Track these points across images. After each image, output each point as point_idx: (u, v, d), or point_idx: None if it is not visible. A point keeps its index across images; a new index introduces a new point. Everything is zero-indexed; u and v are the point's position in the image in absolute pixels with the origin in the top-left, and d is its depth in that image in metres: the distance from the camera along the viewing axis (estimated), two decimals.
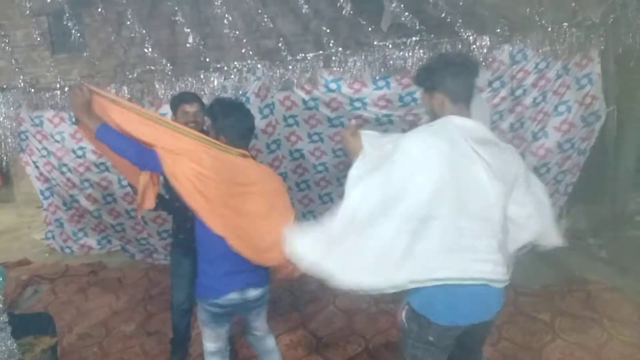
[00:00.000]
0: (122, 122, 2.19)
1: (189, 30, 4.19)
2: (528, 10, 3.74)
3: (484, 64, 3.69)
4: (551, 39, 3.61)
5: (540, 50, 3.64)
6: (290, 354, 3.09)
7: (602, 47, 3.61)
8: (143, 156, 2.13)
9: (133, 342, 3.36)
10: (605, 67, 3.68)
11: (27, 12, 4.61)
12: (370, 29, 4.02)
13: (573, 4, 3.67)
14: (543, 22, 3.64)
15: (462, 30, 3.69)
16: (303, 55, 4.02)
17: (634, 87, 3.92)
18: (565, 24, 3.59)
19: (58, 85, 4.35)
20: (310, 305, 3.66)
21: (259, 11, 4.22)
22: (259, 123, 4.14)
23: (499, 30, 3.69)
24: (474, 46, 3.67)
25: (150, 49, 4.21)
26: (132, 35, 4.63)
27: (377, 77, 3.83)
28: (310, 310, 3.59)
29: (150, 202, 2.35)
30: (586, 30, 3.57)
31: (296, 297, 3.79)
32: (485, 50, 3.67)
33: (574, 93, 3.66)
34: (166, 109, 4.11)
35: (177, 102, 2.76)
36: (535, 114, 3.74)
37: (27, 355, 2.26)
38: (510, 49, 3.65)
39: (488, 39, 3.66)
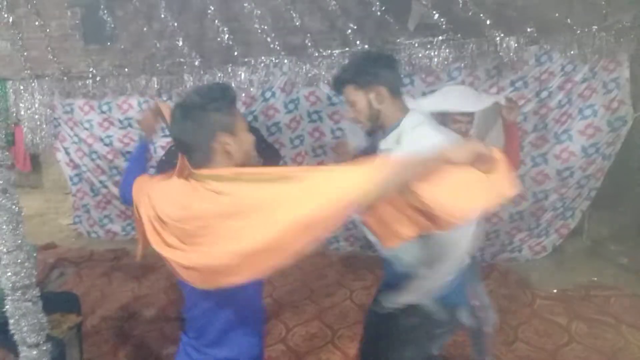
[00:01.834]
0: None
1: (218, 24, 4.28)
2: (557, 12, 3.72)
3: (510, 65, 3.69)
4: (580, 42, 3.59)
5: (568, 53, 3.62)
6: (305, 345, 3.14)
7: (632, 52, 3.57)
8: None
9: (153, 327, 3.45)
10: (635, 71, 3.64)
11: (65, 4, 4.74)
12: (397, 28, 4.05)
13: (604, 7, 3.63)
14: (572, 25, 3.62)
15: (489, 30, 3.69)
16: (329, 51, 4.07)
17: None
18: (595, 27, 3.57)
19: (90, 75, 4.48)
20: (327, 300, 3.70)
21: (288, 8, 4.28)
22: (284, 118, 4.21)
23: (526, 31, 3.68)
24: (500, 47, 3.67)
25: (180, 42, 4.31)
26: (163, 28, 4.75)
27: (402, 75, 3.86)
28: (327, 304, 3.64)
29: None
30: (616, 33, 3.53)
31: (312, 291, 3.84)
32: (511, 51, 3.67)
33: (600, 97, 3.63)
34: None
35: None
36: (559, 116, 3.72)
37: (55, 331, 2.36)
38: (536, 50, 3.64)
39: (515, 40, 3.65)
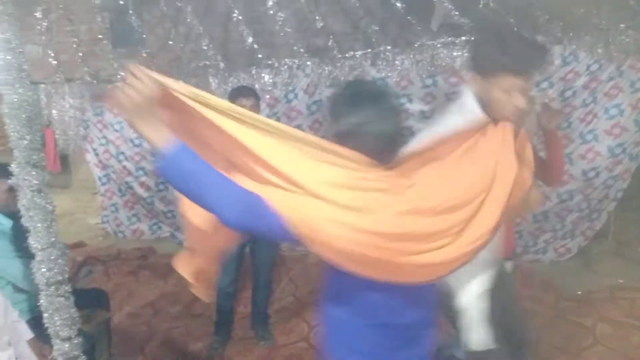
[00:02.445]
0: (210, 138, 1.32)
1: (242, 27, 4.34)
2: (583, 11, 3.67)
3: None
4: (606, 41, 3.54)
5: (594, 53, 3.57)
6: None
7: None
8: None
9: (179, 323, 3.53)
10: None
11: (95, 9, 4.88)
12: (419, 29, 4.05)
13: (632, 5, 3.57)
14: (599, 23, 3.57)
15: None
16: (352, 53, 4.09)
17: None
18: (622, 25, 3.51)
19: (119, 78, 4.60)
20: None
21: (311, 10, 4.31)
22: (306, 120, 4.25)
23: (551, 31, 3.65)
24: None
25: (206, 45, 4.39)
26: (188, 31, 4.83)
27: (425, 76, 3.87)
28: None
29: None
30: None
31: None
32: None
33: (627, 96, 3.56)
34: None
35: (235, 95, 2.91)
36: (584, 115, 3.67)
37: (85, 326, 2.43)
38: (562, 50, 3.61)
39: (539, 40, 3.62)
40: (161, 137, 1.19)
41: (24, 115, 1.66)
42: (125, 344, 3.26)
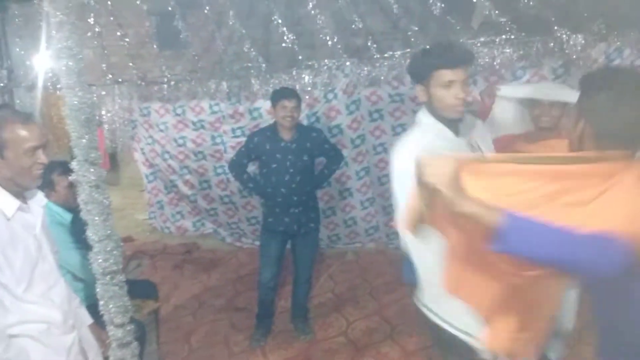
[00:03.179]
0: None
1: (283, 29, 4.43)
2: (628, 7, 3.59)
3: (580, 62, 3.60)
4: None
5: (639, 49, 3.49)
6: (365, 339, 3.24)
7: None
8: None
9: (222, 316, 3.67)
10: None
11: (142, 14, 5.07)
12: (459, 28, 4.04)
13: None
14: None
15: (555, 28, 3.62)
16: (391, 53, 4.12)
17: None
18: None
19: (165, 80, 4.77)
20: (387, 296, 3.77)
21: (350, 10, 4.36)
22: (345, 119, 4.30)
23: (595, 28, 3.58)
24: (567, 44, 3.59)
25: (248, 47, 4.51)
26: (231, 33, 4.97)
27: None
28: (386, 301, 3.71)
29: None
30: None
31: (373, 288, 3.93)
32: (579, 49, 3.58)
33: None
34: (260, 103, 4.40)
35: (278, 97, 3.01)
36: None
37: (136, 314, 2.58)
38: (606, 47, 3.54)
39: (582, 38, 3.56)
40: (488, 210, 1.11)
41: (83, 117, 1.78)
42: (172, 334, 3.42)
